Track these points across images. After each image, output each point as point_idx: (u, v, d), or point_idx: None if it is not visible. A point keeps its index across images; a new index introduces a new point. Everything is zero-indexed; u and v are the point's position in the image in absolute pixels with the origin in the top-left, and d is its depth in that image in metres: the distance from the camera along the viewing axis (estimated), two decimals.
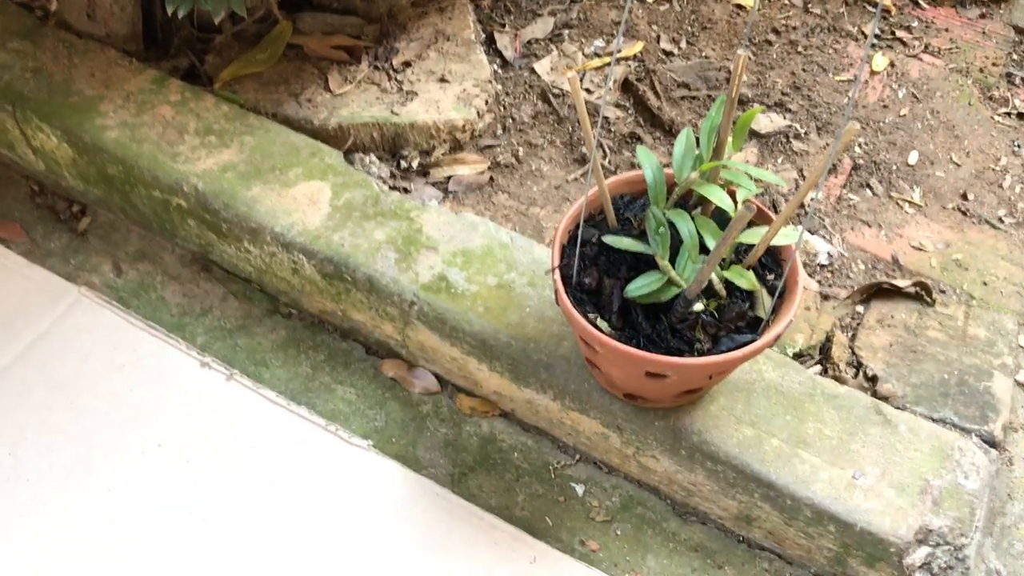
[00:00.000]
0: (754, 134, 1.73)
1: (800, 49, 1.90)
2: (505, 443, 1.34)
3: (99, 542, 1.20)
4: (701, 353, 1.05)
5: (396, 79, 1.62)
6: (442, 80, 1.63)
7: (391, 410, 1.36)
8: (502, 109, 1.69)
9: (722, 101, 1.04)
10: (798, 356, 1.38)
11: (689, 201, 1.12)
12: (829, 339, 1.41)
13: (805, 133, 1.73)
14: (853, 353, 1.38)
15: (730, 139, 1.10)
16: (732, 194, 1.10)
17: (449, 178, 1.56)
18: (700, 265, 1.04)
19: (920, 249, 1.58)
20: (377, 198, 1.39)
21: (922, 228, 1.62)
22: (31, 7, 1.74)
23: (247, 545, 1.21)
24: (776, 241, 1.07)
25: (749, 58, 1.86)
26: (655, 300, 1.06)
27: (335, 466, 1.28)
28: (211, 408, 1.33)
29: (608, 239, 1.07)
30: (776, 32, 1.92)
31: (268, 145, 1.44)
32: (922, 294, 1.47)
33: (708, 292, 1.08)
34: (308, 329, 1.45)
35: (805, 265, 1.53)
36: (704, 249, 1.06)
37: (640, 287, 1.05)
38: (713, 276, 1.06)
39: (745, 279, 1.04)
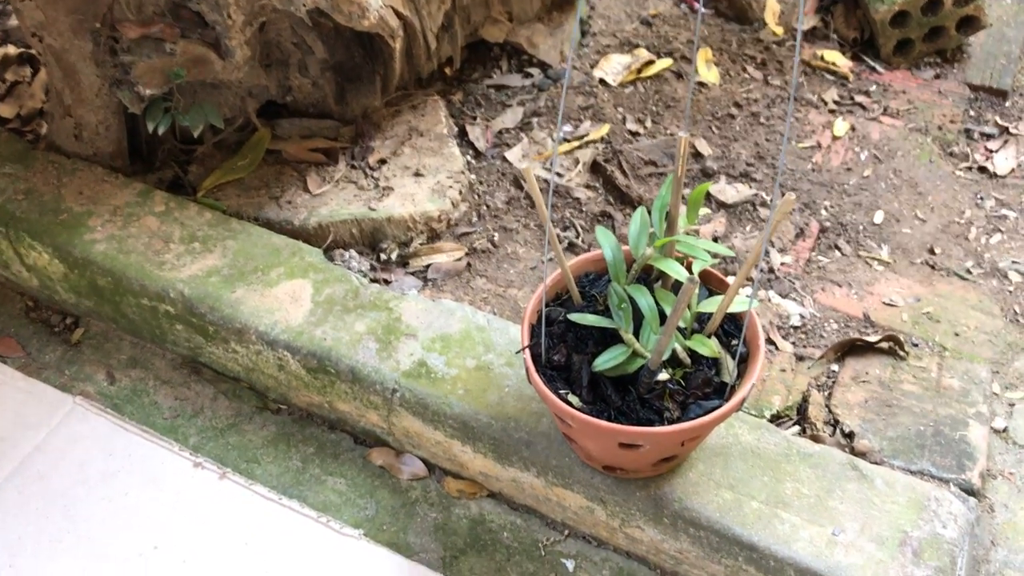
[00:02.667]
0: (722, 205, 1.79)
1: (762, 120, 1.97)
2: (494, 523, 1.36)
3: None
4: (671, 421, 1.08)
5: (372, 176, 1.69)
6: (417, 174, 1.69)
7: (381, 498, 1.38)
8: (476, 197, 1.75)
9: (670, 181, 1.09)
10: (776, 418, 1.41)
11: (650, 276, 1.17)
12: (805, 399, 1.44)
13: (771, 201, 1.79)
14: (830, 411, 1.41)
15: (684, 213, 1.16)
16: (689, 266, 1.14)
17: (428, 267, 1.61)
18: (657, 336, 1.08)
19: (891, 305, 1.62)
20: (357, 291, 1.44)
21: (892, 284, 1.66)
22: (22, 132, 1.83)
23: None
24: (733, 308, 1.11)
25: (713, 131, 1.93)
26: (622, 372, 1.09)
27: (328, 557, 1.30)
28: (205, 507, 1.36)
29: (574, 317, 1.11)
30: (738, 105, 2.00)
31: (250, 248, 1.50)
32: (895, 348, 1.51)
33: (674, 362, 1.12)
34: (297, 423, 1.48)
35: (778, 328, 1.57)
36: (665, 320, 1.10)
37: (607, 360, 1.08)
38: (677, 346, 1.10)
39: (706, 347, 1.08)
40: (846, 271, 1.68)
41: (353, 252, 1.59)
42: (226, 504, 1.36)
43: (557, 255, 1.11)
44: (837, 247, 1.73)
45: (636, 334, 1.10)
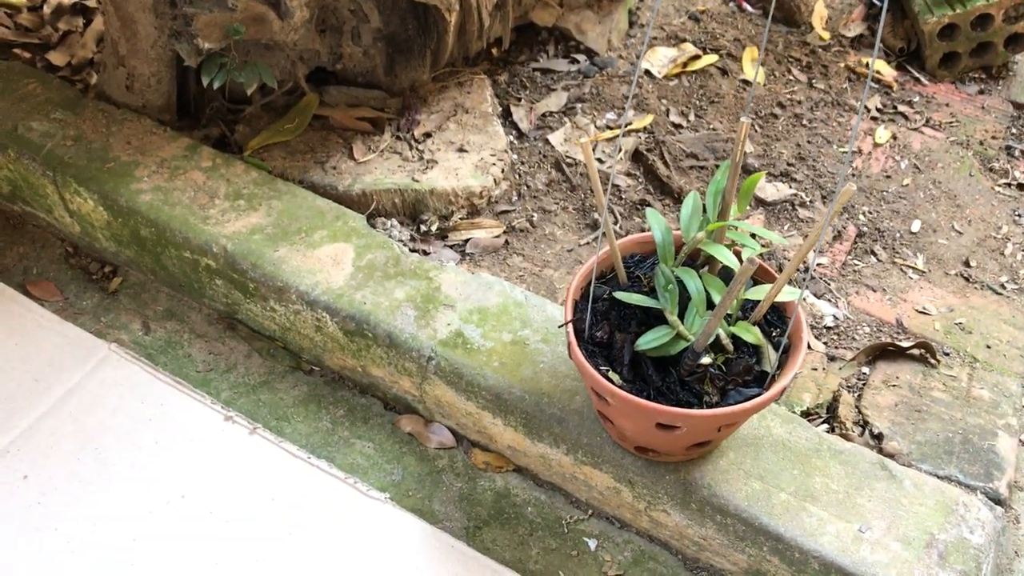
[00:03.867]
0: (761, 202, 1.79)
1: (805, 122, 1.97)
2: (519, 498, 1.37)
3: None
4: (710, 405, 1.09)
5: (417, 148, 1.70)
6: (461, 150, 1.70)
7: (408, 464, 1.39)
8: (517, 177, 1.76)
9: (727, 166, 1.10)
10: (806, 414, 1.42)
11: (696, 260, 1.17)
12: (836, 398, 1.44)
13: (810, 201, 1.79)
14: (859, 412, 1.42)
15: (735, 203, 1.16)
16: (737, 254, 1.15)
17: (467, 241, 1.62)
18: (707, 320, 1.09)
19: (924, 313, 1.62)
20: (398, 259, 1.45)
21: (925, 293, 1.66)
22: (73, 80, 1.84)
23: None
24: (780, 298, 1.12)
25: (756, 129, 1.94)
26: (665, 353, 1.10)
27: (353, 518, 1.31)
28: (234, 461, 1.37)
29: (620, 295, 1.12)
30: (781, 106, 2.00)
31: (295, 209, 1.51)
32: (926, 356, 1.51)
33: (716, 347, 1.12)
34: (329, 385, 1.49)
35: (812, 328, 1.57)
36: (711, 305, 1.11)
37: (650, 341, 1.09)
38: (720, 331, 1.11)
39: (751, 334, 1.09)
40: (881, 277, 1.68)
41: (394, 221, 1.60)
42: (255, 459, 1.38)
43: (607, 232, 1.12)
44: (873, 252, 1.73)
45: (680, 317, 1.11)
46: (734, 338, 1.12)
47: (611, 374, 1.10)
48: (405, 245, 1.57)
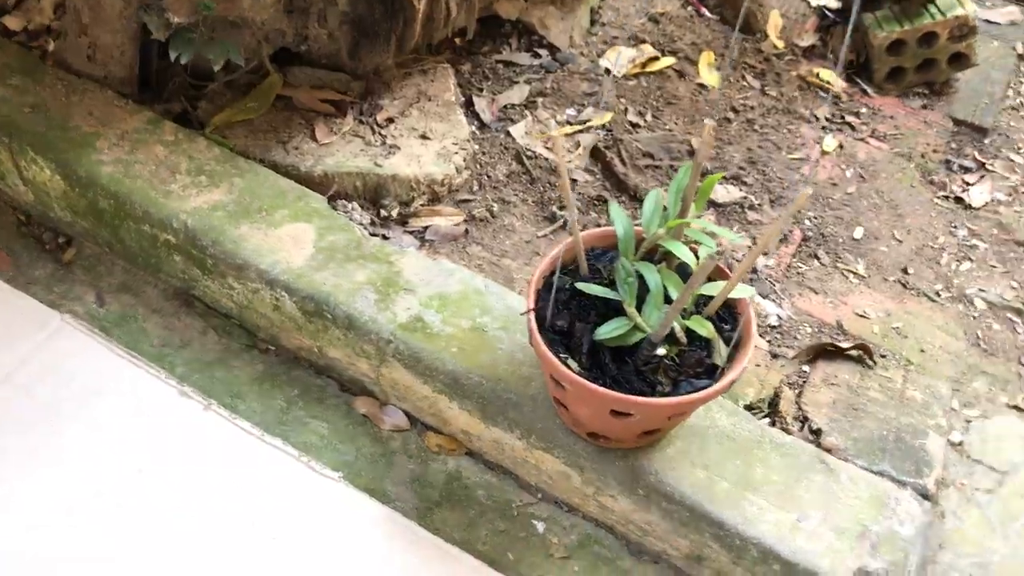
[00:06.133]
0: (712, 203, 1.84)
1: (756, 128, 2.03)
2: (470, 480, 1.40)
3: (78, 559, 1.23)
4: (663, 395, 1.13)
5: (380, 133, 1.71)
6: (424, 137, 1.72)
7: (361, 445, 1.41)
8: (479, 167, 1.78)
9: (689, 167, 1.14)
10: (748, 408, 1.47)
11: (655, 256, 1.22)
12: (777, 394, 1.50)
13: (759, 204, 1.85)
14: (799, 408, 1.48)
15: (694, 202, 1.20)
16: (695, 251, 1.19)
17: (426, 228, 1.64)
18: (664, 313, 1.13)
19: (863, 316, 1.69)
20: (359, 242, 1.46)
21: (865, 297, 1.73)
22: (29, 47, 1.81)
23: (219, 569, 1.25)
24: (732, 295, 1.17)
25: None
26: (622, 343, 1.14)
27: (307, 496, 1.33)
28: (188, 436, 1.38)
29: (581, 285, 1.15)
30: (735, 111, 2.06)
31: (257, 187, 1.52)
32: (864, 357, 1.58)
33: (670, 339, 1.17)
34: (284, 365, 1.50)
35: (758, 326, 1.63)
36: (668, 299, 1.15)
37: (609, 331, 1.13)
38: (675, 324, 1.15)
39: (704, 328, 1.13)
40: (823, 280, 1.75)
41: (355, 204, 1.61)
42: (209, 435, 1.38)
43: (572, 225, 1.15)
44: (817, 256, 1.80)
45: (638, 309, 1.15)
46: (688, 331, 1.16)
47: (570, 361, 1.14)
48: (365, 229, 1.58)
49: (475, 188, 1.75)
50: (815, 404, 1.48)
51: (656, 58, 2.14)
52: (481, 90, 1.96)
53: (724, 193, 1.86)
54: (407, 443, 1.43)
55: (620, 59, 2.11)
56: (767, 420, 1.47)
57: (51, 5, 1.89)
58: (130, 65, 1.65)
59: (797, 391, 1.52)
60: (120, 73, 1.65)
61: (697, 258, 1.16)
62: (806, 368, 1.56)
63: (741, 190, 1.88)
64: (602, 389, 1.09)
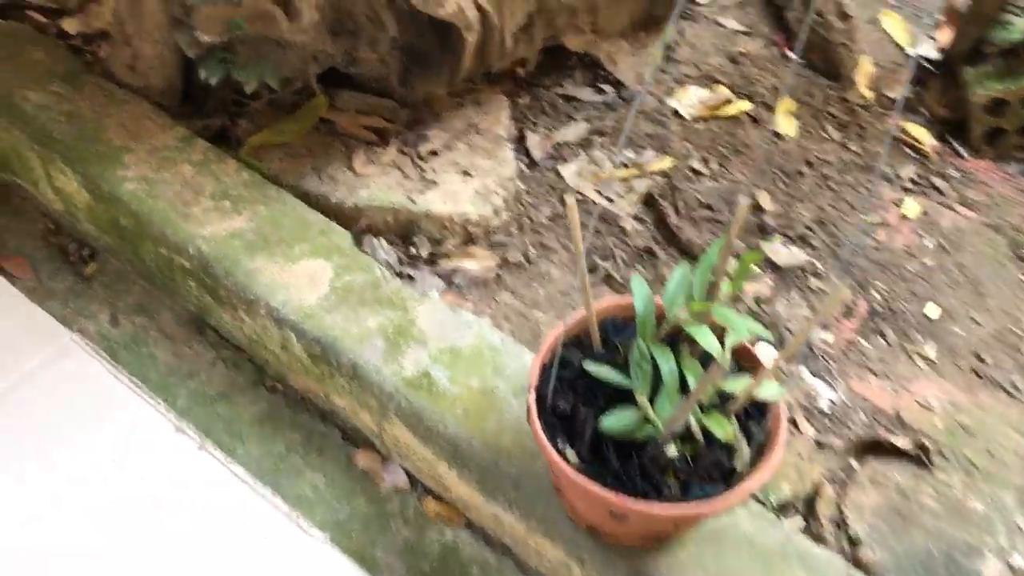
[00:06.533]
0: (772, 265, 1.70)
1: (832, 185, 1.88)
2: (466, 555, 1.30)
3: None
4: (668, 499, 1.01)
5: (420, 166, 1.63)
6: (465, 173, 1.63)
7: (357, 504, 1.33)
8: (521, 208, 1.68)
9: (721, 242, 1.01)
10: (781, 505, 1.33)
11: (679, 336, 1.09)
12: (817, 491, 1.36)
13: (824, 271, 1.70)
14: (840, 510, 1.33)
15: (723, 282, 1.08)
16: (723, 335, 1.07)
17: (455, 270, 1.55)
18: (678, 406, 1.01)
19: (926, 407, 1.53)
20: (377, 284, 1.38)
21: (932, 385, 1.57)
22: (83, 51, 1.79)
23: None
24: (761, 395, 1.04)
25: (779, 187, 1.85)
26: (629, 437, 1.02)
27: (288, 554, 1.25)
28: (178, 475, 1.31)
29: (589, 367, 1.04)
30: (809, 164, 1.91)
31: (280, 217, 1.45)
32: (921, 456, 1.42)
33: (686, 436, 1.04)
34: (289, 407, 1.43)
35: (803, 409, 1.49)
36: (686, 389, 1.03)
37: (615, 421, 1.02)
38: (692, 419, 1.03)
39: (723, 429, 1.01)
40: (887, 361, 1.59)
41: (383, 241, 1.53)
42: (200, 476, 1.32)
43: (584, 297, 1.04)
44: (883, 334, 1.64)
45: (653, 398, 1.03)
46: (705, 429, 1.04)
47: (568, 451, 1.03)
48: (391, 267, 1.50)
49: (514, 230, 1.65)
50: (858, 507, 1.33)
51: (730, 101, 2.00)
52: (536, 124, 1.86)
53: (787, 255, 1.72)
54: (405, 506, 1.34)
55: (690, 100, 1.99)
56: (801, 520, 1.32)
57: (110, 11, 1.87)
58: (171, 77, 1.61)
59: (840, 489, 1.37)
60: (160, 84, 1.61)
61: (723, 344, 1.04)
62: (854, 463, 1.41)
63: (807, 253, 1.73)
64: (596, 488, 0.98)
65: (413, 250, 1.55)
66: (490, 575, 1.28)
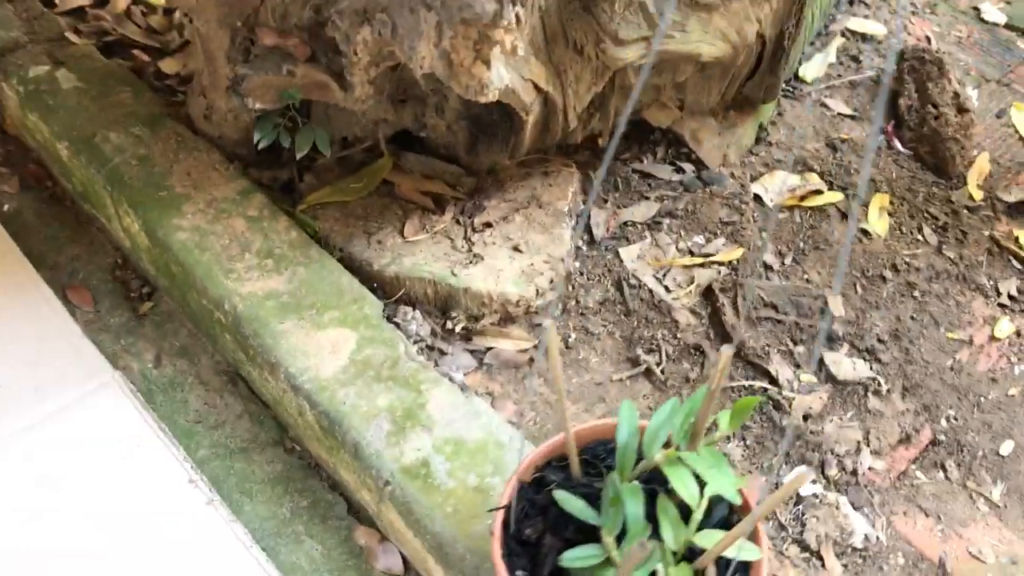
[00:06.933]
0: (831, 378, 1.59)
1: (916, 294, 1.75)
2: None
3: None
4: None
5: (470, 239, 1.62)
6: (515, 249, 1.61)
7: None
8: (570, 289, 1.64)
9: (705, 391, 0.95)
10: None
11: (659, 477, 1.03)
12: None
13: (887, 391, 1.58)
14: None
15: (724, 416, 1.01)
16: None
17: (489, 350, 1.53)
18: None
19: (978, 558, 1.40)
20: (396, 361, 1.37)
21: (990, 533, 1.43)
22: (177, 91, 1.87)
23: None
24: (744, 556, 0.96)
25: (856, 291, 1.73)
26: None
27: None
28: (180, 528, 1.34)
29: (559, 495, 1.00)
30: (895, 268, 1.78)
31: (317, 281, 1.46)
32: None
33: None
34: (303, 470, 1.44)
35: (834, 543, 1.38)
36: (659, 535, 0.97)
37: (576, 558, 0.97)
38: (661, 569, 0.97)
39: None
40: (942, 500, 1.46)
41: (418, 313, 1.52)
42: (200, 532, 1.34)
43: (562, 420, 1.00)
44: (943, 468, 1.51)
45: (620, 539, 0.98)
46: None
47: None
48: (421, 340, 1.49)
49: (557, 313, 1.61)
50: None
51: (820, 192, 1.90)
52: (605, 201, 1.82)
53: (850, 368, 1.61)
54: None
55: (776, 186, 1.90)
56: None
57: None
58: (244, 129, 1.65)
59: None
60: (233, 136, 1.66)
61: (701, 496, 0.97)
62: None
63: (872, 368, 1.62)
64: None
65: (450, 323, 1.54)
66: None
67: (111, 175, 1.59)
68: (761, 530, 1.00)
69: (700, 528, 0.98)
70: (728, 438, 1.50)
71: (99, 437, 1.42)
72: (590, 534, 1.00)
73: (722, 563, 1.02)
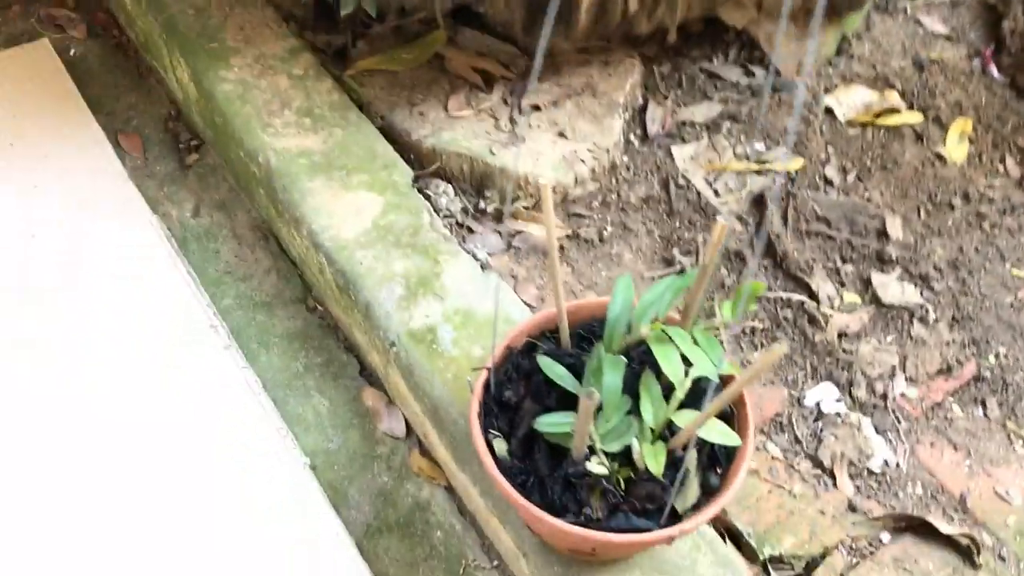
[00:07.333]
0: (876, 300, 1.52)
1: (985, 225, 1.64)
2: (435, 517, 1.27)
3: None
4: (587, 520, 0.93)
5: (514, 119, 1.58)
6: (560, 135, 1.56)
7: (350, 438, 1.33)
8: (614, 182, 1.59)
9: (698, 269, 0.91)
10: (777, 560, 1.21)
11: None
12: (825, 555, 1.22)
13: (935, 320, 1.50)
14: None
15: (727, 305, 0.97)
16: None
17: (519, 233, 1.50)
18: (618, 425, 0.92)
19: (1003, 499, 1.32)
20: (418, 230, 1.36)
21: (1021, 475, 1.35)
22: None
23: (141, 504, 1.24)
24: (721, 440, 0.93)
25: (919, 215, 1.64)
26: (562, 443, 0.95)
27: (262, 471, 1.28)
28: (195, 365, 1.37)
29: (542, 361, 0.97)
30: (966, 197, 1.67)
31: (351, 144, 1.45)
32: (971, 550, 1.24)
33: (626, 459, 0.96)
34: (321, 329, 1.45)
35: (850, 463, 1.33)
36: (637, 410, 0.94)
37: (549, 423, 0.95)
38: (635, 443, 0.94)
39: (655, 462, 0.91)
40: (976, 436, 1.39)
41: (450, 188, 1.50)
42: (212, 373, 1.37)
43: (555, 289, 0.97)
44: (983, 404, 1.43)
45: (598, 410, 0.95)
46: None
47: (497, 442, 0.97)
48: (452, 216, 1.47)
49: (596, 204, 1.56)
50: None
51: (897, 111, 1.78)
52: (666, 97, 1.75)
53: (897, 292, 1.53)
54: (394, 453, 1.33)
55: (851, 101, 1.79)
56: None
57: None
58: None
59: (853, 562, 1.22)
60: None
61: (686, 375, 0.93)
62: (884, 537, 1.25)
63: (922, 295, 1.53)
64: (505, 486, 0.92)
65: (483, 203, 1.51)
66: (452, 543, 1.25)
67: (167, 23, 1.60)
68: (749, 419, 0.96)
69: (682, 409, 0.94)
70: (754, 345, 1.45)
71: (129, 274, 1.46)
72: (570, 403, 0.97)
73: (706, 449, 0.98)
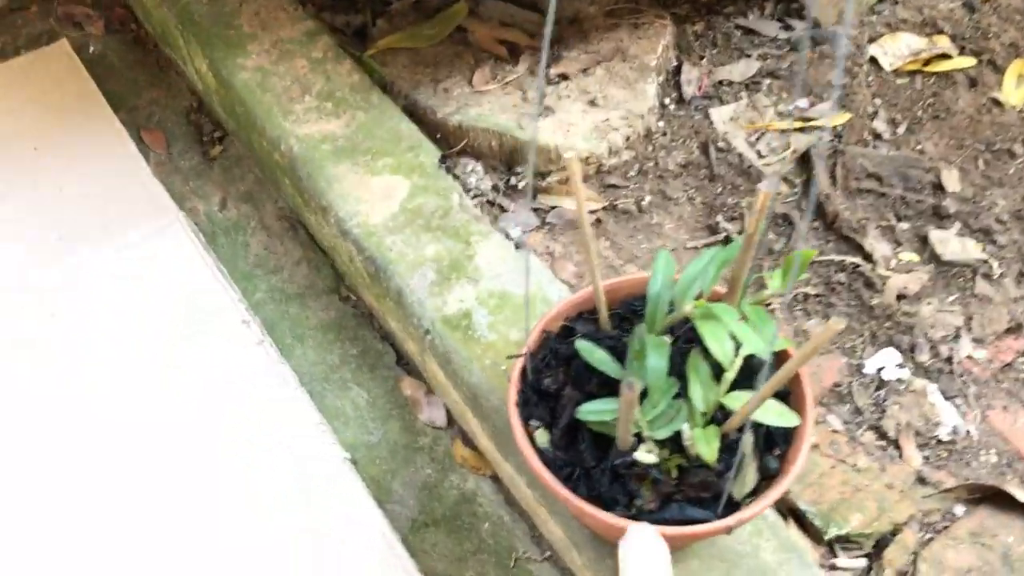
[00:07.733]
0: (935, 258, 1.43)
1: None
2: (482, 509, 1.23)
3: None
4: (638, 512, 0.88)
5: (543, 90, 1.51)
6: (592, 103, 1.49)
7: (390, 430, 1.29)
8: (650, 149, 1.53)
9: (744, 237, 0.84)
10: (844, 539, 1.14)
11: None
12: (895, 532, 1.15)
13: (1000, 276, 1.41)
14: (915, 565, 1.12)
15: (776, 275, 0.90)
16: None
17: (553, 208, 1.44)
18: (667, 409, 0.87)
19: None
20: (448, 211, 1.30)
21: None
22: None
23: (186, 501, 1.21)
24: (776, 421, 0.87)
25: (977, 166, 1.54)
26: (607, 432, 0.90)
27: (302, 466, 1.24)
28: (230, 363, 1.33)
29: (581, 345, 0.92)
30: None
31: (375, 127, 1.40)
32: None
33: (677, 446, 0.90)
34: (356, 319, 1.41)
35: (916, 433, 1.26)
36: (685, 393, 0.89)
37: (592, 411, 0.89)
38: (685, 430, 0.88)
39: (708, 448, 0.85)
40: None
41: (479, 165, 1.44)
42: (249, 369, 1.33)
43: (591, 270, 0.91)
44: None
45: (643, 396, 0.89)
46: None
47: (539, 433, 0.92)
48: (483, 195, 1.41)
49: (632, 173, 1.50)
50: (940, 565, 1.11)
51: (948, 56, 1.68)
52: (701, 57, 1.67)
53: (958, 248, 1.44)
54: (436, 444, 1.28)
55: (898, 48, 1.69)
56: (864, 564, 1.13)
57: None
58: None
59: (926, 537, 1.15)
60: None
61: (736, 354, 0.87)
62: (958, 510, 1.18)
63: (984, 250, 1.44)
64: (549, 480, 0.87)
65: (515, 179, 1.45)
66: (501, 535, 1.21)
67: (182, 13, 1.56)
68: (807, 396, 0.90)
69: (734, 390, 0.88)
70: (807, 313, 1.38)
71: (158, 278, 1.43)
72: (613, 389, 0.92)
73: (762, 431, 0.92)
